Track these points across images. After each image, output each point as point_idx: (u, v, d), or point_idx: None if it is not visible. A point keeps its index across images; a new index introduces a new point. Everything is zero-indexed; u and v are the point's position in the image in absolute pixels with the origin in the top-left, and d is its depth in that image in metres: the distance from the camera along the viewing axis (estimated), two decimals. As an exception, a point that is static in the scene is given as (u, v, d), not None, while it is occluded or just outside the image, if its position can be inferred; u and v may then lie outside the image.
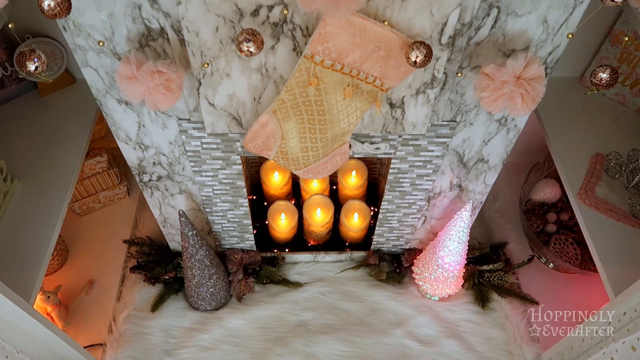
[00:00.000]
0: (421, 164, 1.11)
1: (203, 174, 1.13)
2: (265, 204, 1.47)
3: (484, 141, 1.06)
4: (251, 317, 1.36)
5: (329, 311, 1.37)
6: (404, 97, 0.90)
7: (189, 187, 1.19)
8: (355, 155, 1.07)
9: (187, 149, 1.05)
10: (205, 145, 1.05)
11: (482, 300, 1.38)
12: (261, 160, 1.46)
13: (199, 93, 0.88)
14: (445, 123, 1.00)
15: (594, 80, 0.78)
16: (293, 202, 1.45)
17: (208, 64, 0.79)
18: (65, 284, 1.37)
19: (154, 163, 1.10)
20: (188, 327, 1.34)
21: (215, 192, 1.19)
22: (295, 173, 1.03)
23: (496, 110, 0.80)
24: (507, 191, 1.60)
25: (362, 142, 1.04)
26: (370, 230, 1.43)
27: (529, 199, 1.45)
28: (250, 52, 0.72)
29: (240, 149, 1.06)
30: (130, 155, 1.08)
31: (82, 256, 1.45)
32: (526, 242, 1.48)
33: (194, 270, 1.26)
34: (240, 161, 1.09)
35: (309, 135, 0.92)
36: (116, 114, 0.97)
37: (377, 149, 1.05)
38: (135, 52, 0.83)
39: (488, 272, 1.39)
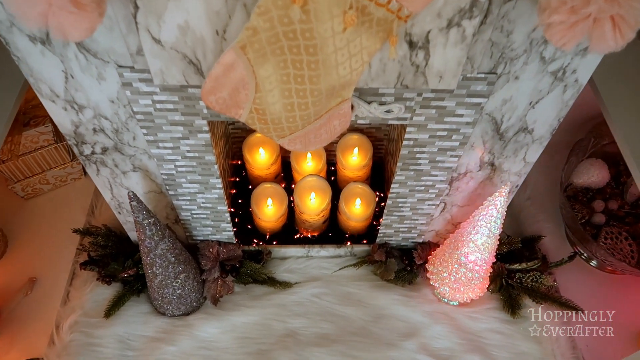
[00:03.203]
0: (445, 133, 0.85)
1: (160, 144, 0.87)
2: (250, 187, 1.25)
3: (530, 103, 0.81)
4: (229, 324, 1.15)
5: (324, 318, 1.17)
6: (429, 31, 0.64)
7: (145, 163, 0.93)
8: (359, 121, 0.81)
9: (134, 109, 0.79)
10: (158, 105, 0.79)
11: (511, 306, 1.16)
12: (244, 134, 1.21)
13: (137, 23, 0.62)
14: (482, 76, 0.74)
15: None
16: (283, 185, 1.23)
17: (138, -33, 0.53)
18: (0, 283, 1.12)
19: (94, 130, 0.85)
20: (151, 337, 1.12)
21: (179, 169, 0.93)
22: (278, 143, 0.77)
23: (570, 43, 0.55)
24: (539, 175, 1.34)
25: (369, 103, 0.78)
26: (375, 219, 1.20)
27: (569, 184, 1.19)
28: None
29: (205, 111, 0.80)
30: (61, 118, 0.82)
31: (24, 249, 1.23)
32: (563, 236, 1.24)
33: (154, 268, 1.01)
34: (207, 128, 0.84)
35: (295, 86, 0.65)
36: (31, 58, 0.71)
37: (388, 112, 0.79)
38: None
39: (520, 272, 1.14)
